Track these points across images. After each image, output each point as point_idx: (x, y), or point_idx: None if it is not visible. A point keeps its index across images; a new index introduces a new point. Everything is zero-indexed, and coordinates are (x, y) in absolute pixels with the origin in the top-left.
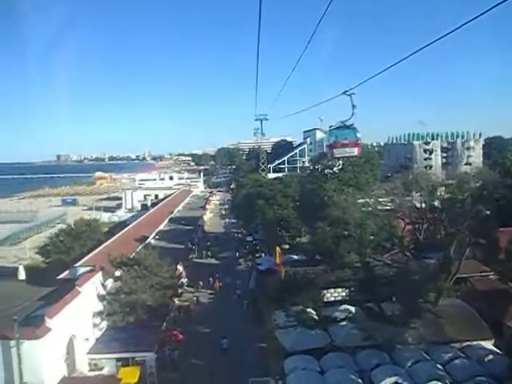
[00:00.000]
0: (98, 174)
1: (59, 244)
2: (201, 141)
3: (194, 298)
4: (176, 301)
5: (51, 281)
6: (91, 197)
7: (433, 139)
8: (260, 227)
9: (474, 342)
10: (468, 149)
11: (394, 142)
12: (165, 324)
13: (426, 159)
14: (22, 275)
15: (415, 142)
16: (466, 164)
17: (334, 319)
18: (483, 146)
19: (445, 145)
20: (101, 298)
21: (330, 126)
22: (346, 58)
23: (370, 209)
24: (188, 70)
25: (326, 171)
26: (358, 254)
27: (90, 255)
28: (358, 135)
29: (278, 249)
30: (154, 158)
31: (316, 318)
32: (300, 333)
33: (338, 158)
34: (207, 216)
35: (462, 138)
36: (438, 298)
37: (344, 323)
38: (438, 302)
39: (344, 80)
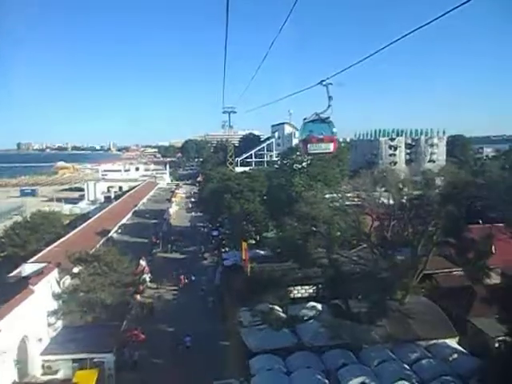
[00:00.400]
0: (60, 163)
1: (14, 237)
2: (168, 133)
3: (157, 295)
4: (138, 297)
5: (2, 278)
6: (52, 187)
7: (398, 136)
8: (226, 221)
9: (440, 341)
10: (432, 146)
11: (361, 138)
12: (125, 323)
13: (390, 155)
14: None
15: (381, 139)
16: (430, 161)
17: (301, 318)
18: (446, 143)
19: (409, 141)
20: (57, 296)
21: (304, 119)
22: (316, 50)
23: (337, 204)
24: (156, 59)
25: (294, 166)
26: (325, 250)
27: (46, 250)
28: (334, 130)
29: (244, 244)
30: (120, 149)
31: (283, 316)
32: (266, 332)
33: (313, 155)
34: (173, 209)
35: (426, 134)
36: (404, 296)
37: (311, 321)
38: (404, 300)
39: (314, 73)
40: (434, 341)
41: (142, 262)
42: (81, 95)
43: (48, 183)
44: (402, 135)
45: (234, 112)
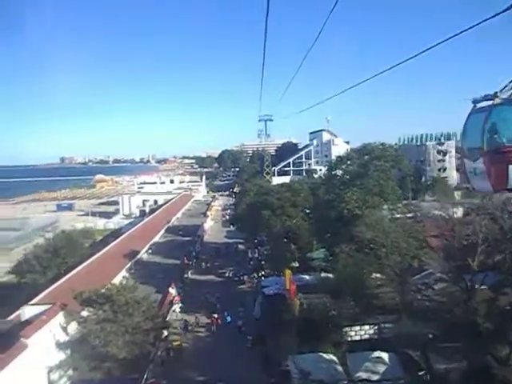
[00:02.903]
0: (99, 176)
1: (34, 262)
2: (205, 143)
3: (186, 334)
4: (165, 332)
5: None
6: (90, 201)
7: (447, 140)
8: (265, 240)
9: None
10: None
11: (406, 142)
12: (146, 375)
13: (439, 161)
14: None
15: (428, 143)
16: None
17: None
18: None
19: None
20: (62, 346)
21: (474, 102)
22: (355, 55)
23: (398, 224)
24: (192, 71)
25: (344, 177)
26: (391, 282)
27: (56, 284)
28: None
29: (287, 272)
30: (159, 161)
31: (340, 371)
32: None
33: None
34: (208, 224)
35: None
36: (510, 354)
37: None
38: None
39: (350, 78)
40: None
41: (172, 290)
42: (123, 109)
43: (86, 197)
44: (451, 139)
45: (271, 120)
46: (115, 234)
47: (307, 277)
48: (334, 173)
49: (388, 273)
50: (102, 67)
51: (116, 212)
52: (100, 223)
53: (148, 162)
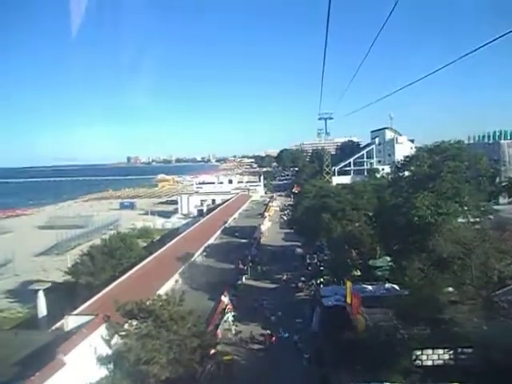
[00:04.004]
0: (161, 176)
1: (89, 264)
2: (264, 143)
3: (238, 343)
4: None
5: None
6: (150, 200)
7: None
8: (325, 245)
9: None
10: None
11: (476, 140)
12: None
13: None
14: (41, 301)
15: (502, 141)
16: None
17: None
18: None
19: None
20: (102, 361)
21: None
22: (418, 50)
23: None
24: (251, 71)
25: (414, 179)
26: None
27: (104, 291)
28: None
29: (349, 284)
30: (218, 160)
31: None
32: None
33: None
34: (265, 226)
35: None
36: None
37: None
38: None
39: (413, 74)
40: None
41: (224, 299)
42: (185, 109)
43: (147, 195)
44: None
45: (331, 118)
46: (172, 233)
47: (370, 287)
48: (401, 174)
49: (468, 291)
50: (167, 73)
51: (175, 211)
52: (159, 222)
53: (208, 161)
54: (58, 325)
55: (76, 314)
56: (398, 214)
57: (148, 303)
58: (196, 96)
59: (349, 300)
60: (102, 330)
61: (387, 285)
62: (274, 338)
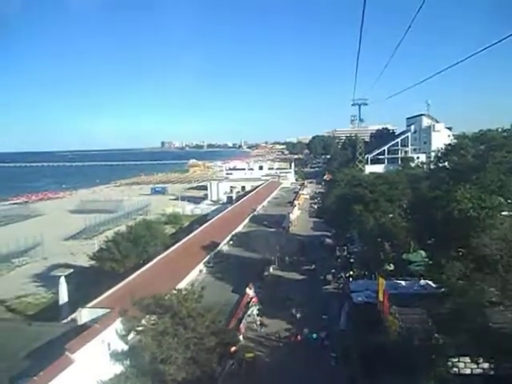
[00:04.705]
0: (192, 161)
1: (114, 250)
2: (296, 129)
3: (262, 338)
4: (241, 336)
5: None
6: (181, 185)
7: None
8: (355, 237)
9: None
10: None
11: None
12: None
13: None
14: (63, 288)
15: None
16: None
17: None
18: None
19: None
20: (116, 357)
21: None
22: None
23: None
24: (286, 56)
25: (456, 170)
26: None
27: (125, 281)
28: None
29: (381, 281)
30: (250, 146)
31: None
32: None
33: None
34: (294, 214)
35: None
36: None
37: None
38: None
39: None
40: None
41: (249, 291)
42: (218, 95)
43: (179, 181)
44: None
45: (366, 104)
46: (201, 220)
47: (403, 283)
48: (441, 164)
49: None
50: (199, 59)
51: (204, 197)
52: (188, 208)
53: (240, 147)
54: (73, 315)
55: (90, 307)
56: (436, 207)
57: (166, 298)
58: (230, 82)
59: (381, 297)
60: (118, 325)
61: (422, 281)
62: (299, 337)
